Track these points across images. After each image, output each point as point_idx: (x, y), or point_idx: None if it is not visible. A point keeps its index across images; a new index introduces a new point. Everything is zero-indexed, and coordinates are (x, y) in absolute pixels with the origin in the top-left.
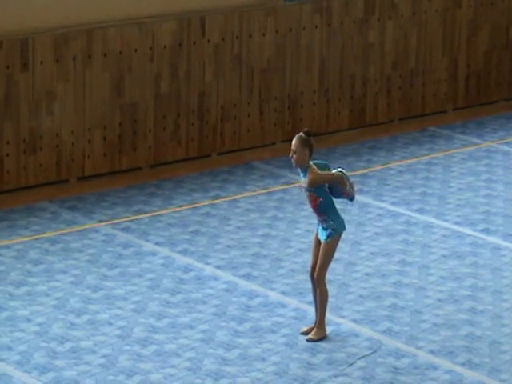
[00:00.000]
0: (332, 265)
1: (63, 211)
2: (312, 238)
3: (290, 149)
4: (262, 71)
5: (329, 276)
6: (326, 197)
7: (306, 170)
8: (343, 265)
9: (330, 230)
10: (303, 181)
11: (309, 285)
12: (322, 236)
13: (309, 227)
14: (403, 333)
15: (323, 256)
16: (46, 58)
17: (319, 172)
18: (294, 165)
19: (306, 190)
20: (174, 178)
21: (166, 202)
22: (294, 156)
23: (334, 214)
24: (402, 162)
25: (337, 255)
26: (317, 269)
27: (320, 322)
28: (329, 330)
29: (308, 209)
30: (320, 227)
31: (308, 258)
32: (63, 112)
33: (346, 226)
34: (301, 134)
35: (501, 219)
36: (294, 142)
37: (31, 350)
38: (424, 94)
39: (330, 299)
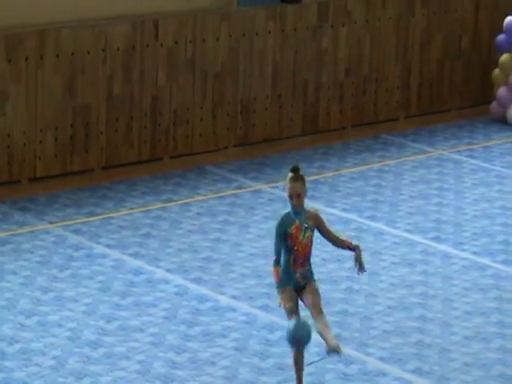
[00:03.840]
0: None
1: (14, 212)
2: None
3: (242, 154)
4: (215, 75)
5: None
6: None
7: (301, 212)
8: None
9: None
10: (304, 222)
11: (259, 289)
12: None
13: (260, 232)
14: (353, 339)
15: (317, 294)
16: None
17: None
18: (297, 209)
19: (311, 229)
20: (126, 181)
21: (118, 204)
22: (298, 199)
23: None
24: (354, 169)
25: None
26: (318, 304)
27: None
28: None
29: (260, 214)
30: (296, 281)
31: (259, 263)
32: (15, 112)
33: None
34: (293, 174)
35: (451, 227)
36: (294, 184)
37: None
38: (376, 102)
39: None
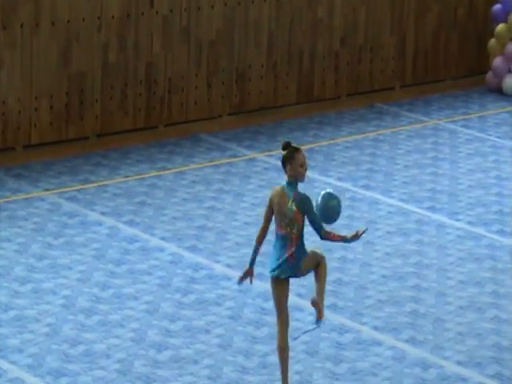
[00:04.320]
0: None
1: (9, 179)
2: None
3: (237, 123)
4: (210, 44)
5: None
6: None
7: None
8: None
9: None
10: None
11: None
12: (288, 271)
13: (254, 201)
14: (347, 308)
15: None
16: None
17: None
18: (303, 180)
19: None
20: (120, 149)
21: (113, 172)
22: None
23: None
24: (349, 138)
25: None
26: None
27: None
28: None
29: (254, 182)
30: (281, 266)
31: (254, 232)
32: (10, 80)
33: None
34: (297, 147)
35: (446, 197)
36: (303, 155)
37: None
38: (372, 71)
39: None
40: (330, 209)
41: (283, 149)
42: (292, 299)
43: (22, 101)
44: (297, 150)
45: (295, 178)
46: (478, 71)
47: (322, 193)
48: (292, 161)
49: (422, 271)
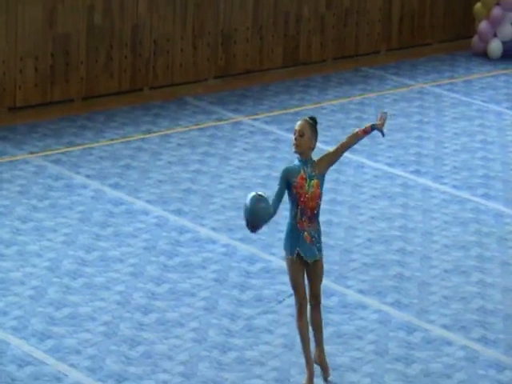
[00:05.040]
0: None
1: None
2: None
3: (222, 86)
4: (195, 6)
5: None
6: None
7: (306, 161)
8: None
9: (318, 244)
10: (310, 170)
11: (239, 221)
12: (312, 252)
13: (240, 164)
14: (332, 271)
15: (322, 275)
16: None
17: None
18: (295, 149)
19: (318, 177)
20: (105, 111)
21: (98, 135)
22: (300, 139)
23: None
24: (335, 102)
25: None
26: (320, 291)
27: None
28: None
29: (240, 146)
30: (304, 243)
31: (239, 195)
32: None
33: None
34: (307, 118)
35: (431, 161)
36: (300, 123)
37: None
38: (358, 34)
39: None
40: (257, 213)
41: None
42: (277, 262)
43: (6, 62)
44: (304, 119)
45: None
46: (464, 35)
47: (251, 195)
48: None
49: (407, 235)
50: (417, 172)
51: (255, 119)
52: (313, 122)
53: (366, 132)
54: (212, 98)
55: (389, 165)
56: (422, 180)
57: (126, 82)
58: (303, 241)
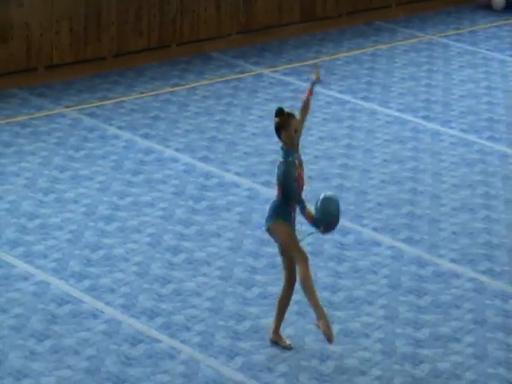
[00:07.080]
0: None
1: (32, 97)
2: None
3: (245, 40)
4: None
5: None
6: None
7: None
8: None
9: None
10: (300, 157)
11: (261, 166)
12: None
13: (262, 113)
14: (349, 211)
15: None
16: None
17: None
18: (294, 145)
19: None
20: (135, 67)
21: (129, 89)
22: (296, 136)
23: None
24: (349, 54)
25: None
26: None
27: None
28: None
29: (261, 96)
30: (293, 219)
31: (261, 142)
32: (32, 4)
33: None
34: (283, 113)
35: (440, 107)
36: (294, 121)
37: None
38: None
39: None
40: (329, 213)
41: (276, 116)
42: None
43: (43, 24)
44: (291, 115)
45: (288, 145)
46: None
47: (322, 196)
48: (288, 127)
49: (417, 176)
50: (426, 117)
51: (275, 71)
52: (287, 113)
53: (311, 91)
54: (235, 52)
55: (400, 111)
56: (431, 125)
57: (154, 39)
58: (291, 219)
